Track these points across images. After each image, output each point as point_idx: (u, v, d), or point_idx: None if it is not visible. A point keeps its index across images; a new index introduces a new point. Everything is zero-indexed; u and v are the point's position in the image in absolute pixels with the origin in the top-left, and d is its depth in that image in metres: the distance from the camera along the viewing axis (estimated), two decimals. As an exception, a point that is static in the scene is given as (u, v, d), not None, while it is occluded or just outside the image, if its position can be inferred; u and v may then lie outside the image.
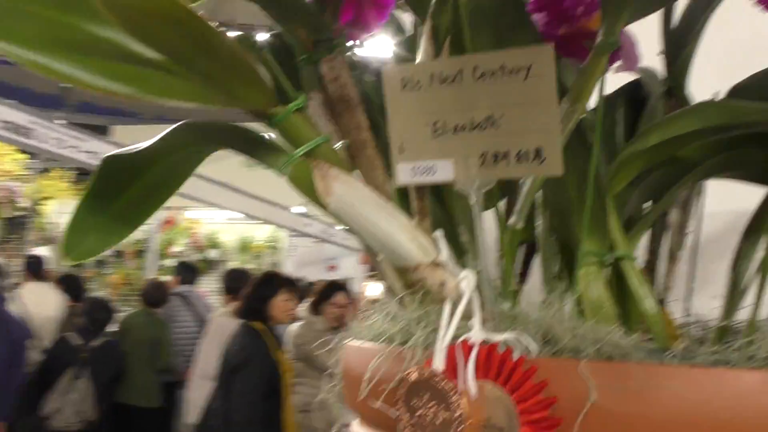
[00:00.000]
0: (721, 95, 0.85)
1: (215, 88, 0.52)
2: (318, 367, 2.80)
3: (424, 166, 0.51)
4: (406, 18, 0.92)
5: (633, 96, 0.82)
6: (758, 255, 0.68)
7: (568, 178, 0.60)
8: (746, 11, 0.78)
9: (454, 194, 0.67)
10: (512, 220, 0.58)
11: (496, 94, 0.47)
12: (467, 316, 0.51)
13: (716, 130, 0.61)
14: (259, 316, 2.70)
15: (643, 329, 0.62)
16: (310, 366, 2.81)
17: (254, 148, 0.56)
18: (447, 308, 0.51)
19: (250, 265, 6.38)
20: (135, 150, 0.58)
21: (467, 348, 0.48)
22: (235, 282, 3.71)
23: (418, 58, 0.53)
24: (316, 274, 5.85)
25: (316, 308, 3.03)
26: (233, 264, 6.37)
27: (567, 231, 0.61)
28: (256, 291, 2.77)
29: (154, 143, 0.58)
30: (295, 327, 2.99)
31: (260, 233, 6.78)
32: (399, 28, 0.89)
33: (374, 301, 0.68)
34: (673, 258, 0.78)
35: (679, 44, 0.81)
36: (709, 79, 0.86)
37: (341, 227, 6.66)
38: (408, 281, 0.59)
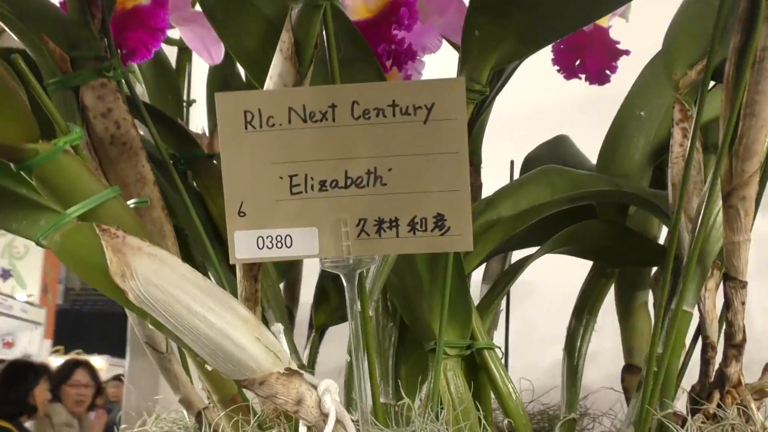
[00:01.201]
0: (517, 163, 0.82)
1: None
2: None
3: (275, 235, 0.36)
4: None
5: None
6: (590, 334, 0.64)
7: (418, 255, 0.49)
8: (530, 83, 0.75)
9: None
10: (359, 303, 0.45)
11: (382, 141, 0.35)
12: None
13: (565, 200, 0.54)
14: (15, 411, 2.17)
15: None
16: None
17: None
18: (303, 435, 0.36)
19: None
20: None
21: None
22: None
23: (268, 84, 0.38)
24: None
25: (53, 394, 2.45)
26: None
27: (413, 316, 0.49)
28: (14, 383, 2.22)
29: None
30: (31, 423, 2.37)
31: None
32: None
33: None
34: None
35: (475, 111, 0.75)
36: (496, 144, 0.82)
37: (27, 299, 5.86)
38: (227, 395, 0.43)
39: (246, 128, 0.35)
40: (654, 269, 0.68)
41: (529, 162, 0.80)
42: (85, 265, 0.34)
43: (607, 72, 0.69)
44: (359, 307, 0.38)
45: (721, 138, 0.45)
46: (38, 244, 0.35)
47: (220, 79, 0.75)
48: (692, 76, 0.56)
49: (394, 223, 0.35)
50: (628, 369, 0.65)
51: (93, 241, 0.34)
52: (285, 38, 0.37)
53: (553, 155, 0.82)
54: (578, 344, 0.61)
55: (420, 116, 0.35)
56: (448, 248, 0.35)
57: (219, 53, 0.64)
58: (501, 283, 0.56)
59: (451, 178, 0.35)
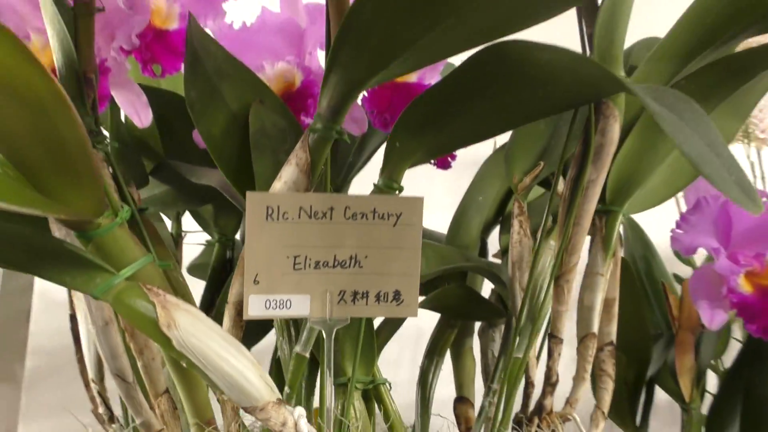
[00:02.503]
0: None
1: (38, 187, 0.41)
2: None
3: (279, 299, 0.48)
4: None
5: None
6: (440, 372, 0.81)
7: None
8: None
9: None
10: (299, 347, 0.58)
11: (363, 236, 0.49)
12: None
13: (436, 273, 0.71)
14: None
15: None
16: None
17: (37, 261, 0.45)
18: (281, 451, 0.48)
19: None
20: None
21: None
22: None
23: (279, 187, 0.50)
24: None
25: None
26: None
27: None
28: None
29: None
30: None
31: None
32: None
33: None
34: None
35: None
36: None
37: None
38: (203, 419, 0.53)
39: (267, 219, 0.47)
40: (479, 322, 0.87)
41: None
42: (139, 318, 0.44)
43: (449, 159, 0.89)
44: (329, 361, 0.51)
45: (558, 239, 0.64)
46: (94, 297, 0.44)
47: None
48: (526, 182, 0.76)
49: (365, 295, 0.49)
50: (460, 400, 0.84)
51: (144, 298, 0.44)
52: (302, 156, 0.49)
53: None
54: (429, 380, 0.78)
55: (391, 221, 0.49)
56: (400, 315, 0.50)
57: (147, 117, 0.73)
58: (386, 330, 0.71)
59: (407, 266, 0.50)
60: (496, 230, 0.92)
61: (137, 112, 0.73)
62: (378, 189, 0.62)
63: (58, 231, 0.50)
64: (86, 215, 0.43)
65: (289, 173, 0.49)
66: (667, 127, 0.47)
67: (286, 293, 0.48)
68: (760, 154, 1.49)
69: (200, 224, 0.94)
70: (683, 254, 0.86)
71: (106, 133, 0.75)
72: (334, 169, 0.86)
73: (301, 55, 0.77)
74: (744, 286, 0.84)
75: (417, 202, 0.50)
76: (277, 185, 0.50)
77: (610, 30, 0.59)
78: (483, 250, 0.90)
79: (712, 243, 0.87)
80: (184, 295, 0.66)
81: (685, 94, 0.71)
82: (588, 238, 0.71)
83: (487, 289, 0.88)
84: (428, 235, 0.93)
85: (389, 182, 0.62)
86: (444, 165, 0.87)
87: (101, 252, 0.45)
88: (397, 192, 0.62)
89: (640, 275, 1.13)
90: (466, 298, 0.76)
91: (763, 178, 1.55)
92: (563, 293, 0.65)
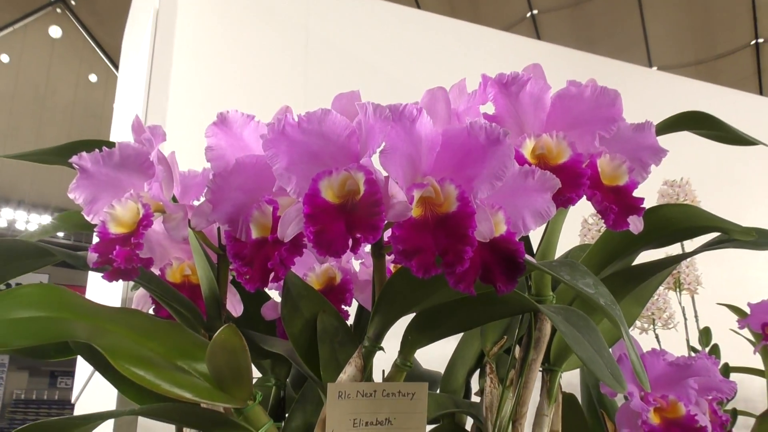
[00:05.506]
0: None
1: (224, 391, 0.76)
2: None
3: (345, 444, 0.82)
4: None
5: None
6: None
7: None
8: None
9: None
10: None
11: (393, 405, 0.84)
12: None
13: (433, 418, 1.06)
14: None
15: None
16: None
17: (216, 426, 0.79)
18: None
19: None
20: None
21: None
22: None
23: (344, 378, 0.85)
24: None
25: None
26: None
27: None
28: None
29: None
30: None
31: None
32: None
33: None
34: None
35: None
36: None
37: None
38: None
39: (338, 398, 0.82)
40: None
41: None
42: (268, 457, 0.78)
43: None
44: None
45: (512, 397, 0.99)
46: (243, 447, 0.79)
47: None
48: (495, 350, 1.11)
49: (394, 442, 0.84)
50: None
51: (271, 446, 0.79)
52: (358, 361, 0.85)
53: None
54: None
55: (409, 396, 0.84)
56: (415, 453, 0.84)
57: (241, 309, 1.09)
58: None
59: (418, 423, 0.84)
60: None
61: (234, 306, 1.09)
62: (396, 365, 0.97)
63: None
64: (243, 402, 0.78)
65: (350, 371, 0.85)
66: (568, 340, 0.82)
67: (348, 442, 0.83)
68: (693, 300, 1.86)
69: (260, 371, 1.29)
70: (609, 397, 1.21)
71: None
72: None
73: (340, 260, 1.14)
74: (653, 419, 1.19)
75: (423, 386, 0.85)
76: (343, 377, 0.85)
77: (540, 275, 0.96)
78: (467, 390, 1.25)
79: (629, 388, 1.22)
80: None
81: (601, 290, 1.08)
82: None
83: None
84: (426, 376, 1.28)
85: (404, 361, 0.97)
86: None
87: (246, 419, 0.80)
88: (409, 367, 0.98)
89: (594, 405, 1.46)
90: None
91: (696, 318, 1.92)
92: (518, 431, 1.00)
